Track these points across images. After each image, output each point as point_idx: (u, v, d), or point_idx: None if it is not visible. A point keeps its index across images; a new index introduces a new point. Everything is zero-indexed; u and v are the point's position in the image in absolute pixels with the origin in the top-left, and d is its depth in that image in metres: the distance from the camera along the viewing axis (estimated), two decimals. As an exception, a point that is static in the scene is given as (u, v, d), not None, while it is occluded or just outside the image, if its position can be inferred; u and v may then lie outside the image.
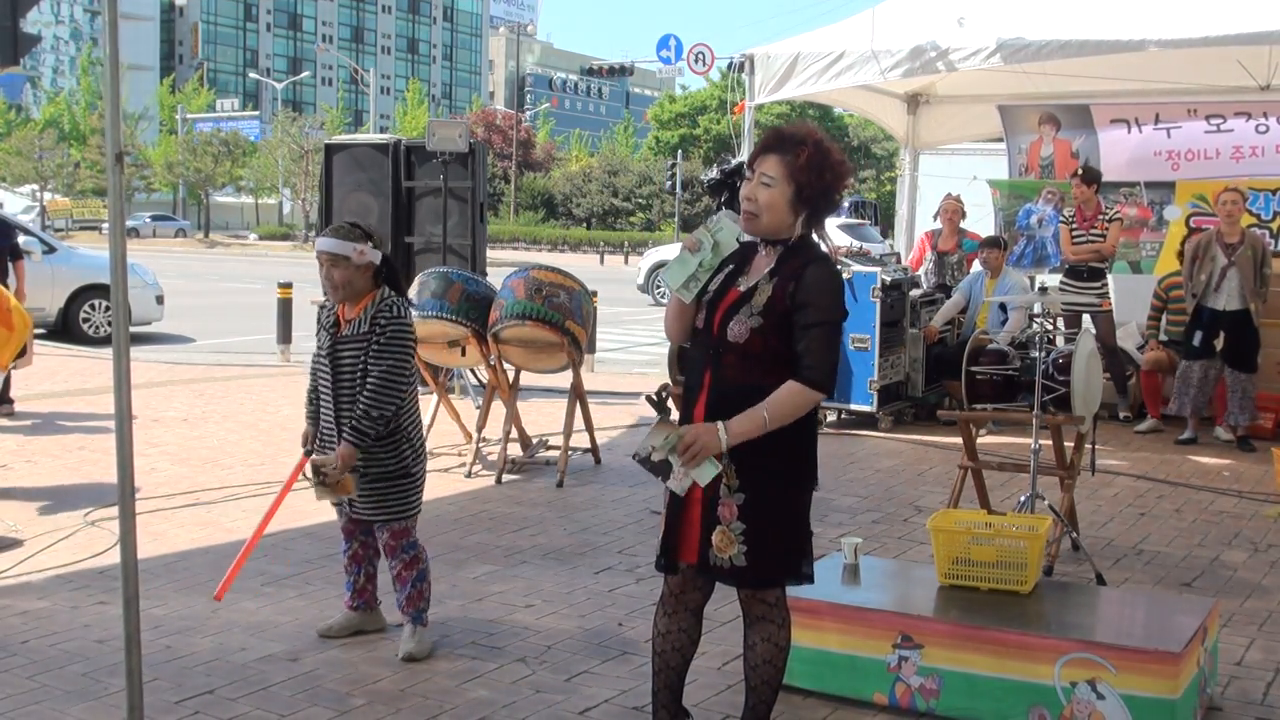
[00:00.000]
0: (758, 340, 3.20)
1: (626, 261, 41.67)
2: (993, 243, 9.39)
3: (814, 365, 3.17)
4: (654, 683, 3.50)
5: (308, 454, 4.59)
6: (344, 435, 4.31)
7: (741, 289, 3.28)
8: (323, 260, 4.35)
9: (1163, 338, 9.45)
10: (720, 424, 3.14)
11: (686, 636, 3.45)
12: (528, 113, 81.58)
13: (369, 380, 4.31)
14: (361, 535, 4.60)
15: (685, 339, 3.42)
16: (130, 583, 3.55)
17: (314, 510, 6.52)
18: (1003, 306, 8.83)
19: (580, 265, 34.47)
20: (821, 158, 3.22)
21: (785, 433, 3.19)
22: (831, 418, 9.23)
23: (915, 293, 9.54)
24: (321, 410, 4.50)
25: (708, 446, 3.13)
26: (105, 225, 53.28)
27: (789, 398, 3.16)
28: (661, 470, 3.19)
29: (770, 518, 3.23)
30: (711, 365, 3.27)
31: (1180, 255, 9.29)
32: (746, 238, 3.30)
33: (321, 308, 4.56)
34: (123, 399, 3.52)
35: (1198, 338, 8.59)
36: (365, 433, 4.29)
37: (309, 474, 4.40)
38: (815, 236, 3.35)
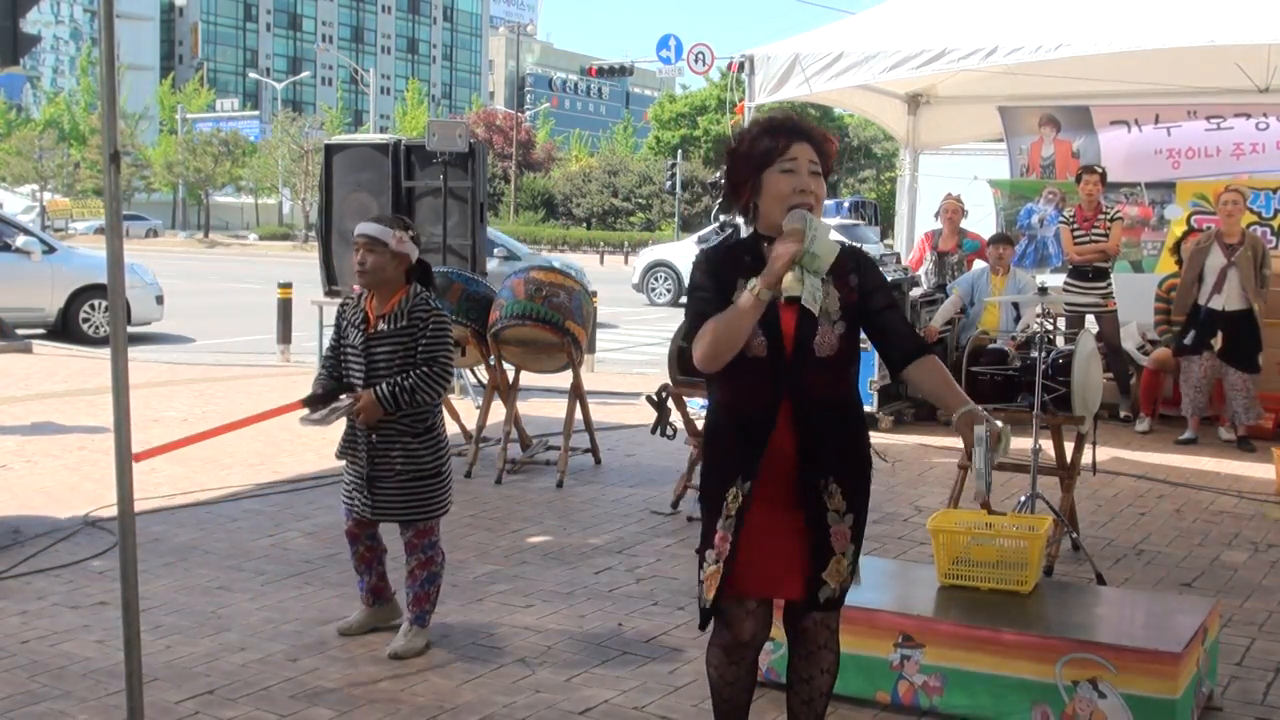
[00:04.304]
0: (845, 347, 3.00)
1: (626, 261, 41.59)
2: (1002, 240, 9.35)
3: (918, 336, 3.12)
4: None
5: (302, 401, 4.55)
6: (376, 390, 4.29)
7: (788, 299, 2.94)
8: (359, 244, 4.36)
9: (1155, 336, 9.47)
10: (968, 407, 2.96)
11: (751, 677, 3.21)
12: (528, 113, 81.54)
13: (423, 368, 4.32)
14: (367, 539, 4.60)
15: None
16: (130, 584, 3.55)
17: (314, 510, 6.53)
18: (1014, 305, 8.80)
19: (580, 265, 34.43)
20: None
21: (868, 446, 3.10)
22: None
23: (915, 293, 9.52)
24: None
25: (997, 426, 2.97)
26: (77, 225, 53.35)
27: (944, 368, 3.07)
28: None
29: (864, 533, 3.14)
30: (789, 387, 2.95)
31: (1175, 252, 9.29)
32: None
33: (344, 304, 4.55)
34: (121, 400, 3.52)
35: (1190, 336, 8.61)
36: (398, 402, 4.29)
37: (318, 403, 4.40)
38: None
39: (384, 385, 4.30)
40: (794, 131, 2.96)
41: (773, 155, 2.94)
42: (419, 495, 4.42)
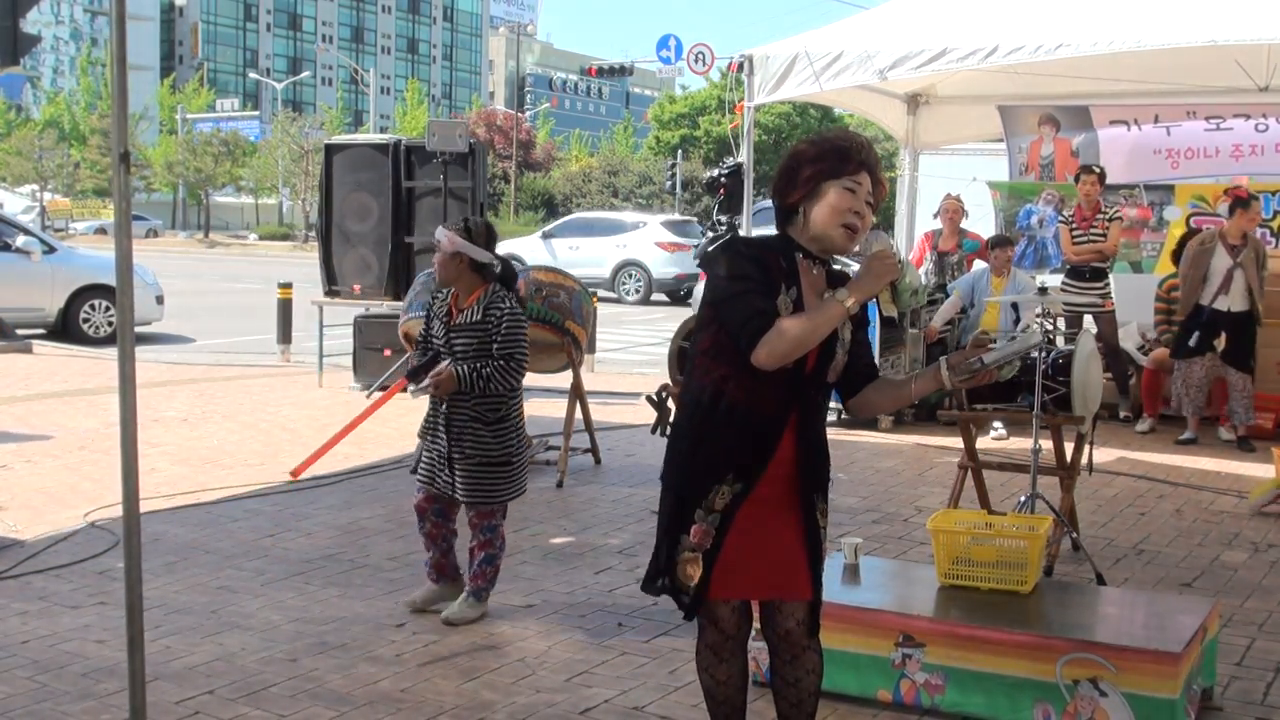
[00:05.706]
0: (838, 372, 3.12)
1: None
2: (1003, 242, 9.34)
3: (875, 366, 3.23)
4: None
5: (406, 375, 4.99)
6: (458, 368, 4.60)
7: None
8: (435, 245, 4.80)
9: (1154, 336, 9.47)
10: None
11: (743, 675, 3.25)
12: (528, 113, 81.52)
13: (499, 361, 4.62)
14: (434, 515, 4.83)
15: None
16: (134, 583, 3.55)
17: (314, 510, 6.53)
18: (1014, 306, 8.80)
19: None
20: None
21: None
22: (831, 418, 9.22)
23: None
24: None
25: None
26: (77, 225, 53.31)
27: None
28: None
29: None
30: (798, 406, 3.04)
31: (1175, 256, 9.28)
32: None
33: (434, 297, 4.92)
34: (128, 401, 3.52)
35: (1194, 338, 8.59)
36: (473, 384, 4.59)
37: (420, 374, 4.78)
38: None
39: (465, 366, 4.62)
40: (863, 162, 3.04)
41: (842, 170, 3.01)
42: (484, 481, 4.70)
